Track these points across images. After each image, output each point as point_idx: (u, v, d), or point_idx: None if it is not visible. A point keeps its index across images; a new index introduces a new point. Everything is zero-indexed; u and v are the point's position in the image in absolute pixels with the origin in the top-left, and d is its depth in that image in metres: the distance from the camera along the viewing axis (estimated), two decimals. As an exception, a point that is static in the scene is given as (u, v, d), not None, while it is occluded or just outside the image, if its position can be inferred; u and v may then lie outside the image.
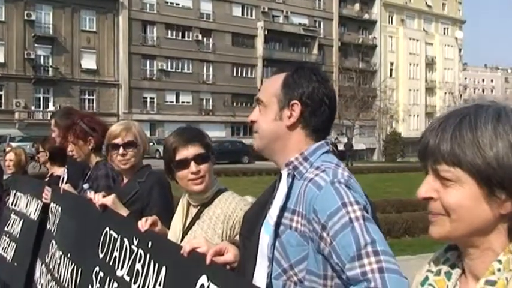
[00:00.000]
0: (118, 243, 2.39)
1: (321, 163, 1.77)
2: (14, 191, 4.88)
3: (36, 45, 50.50)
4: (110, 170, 3.62)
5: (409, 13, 79.66)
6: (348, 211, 1.59)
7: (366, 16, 74.63)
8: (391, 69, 75.82)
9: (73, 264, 2.95)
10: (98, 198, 2.74)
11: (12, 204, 4.81)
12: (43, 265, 3.54)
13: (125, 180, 3.31)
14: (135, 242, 2.23)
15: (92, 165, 3.87)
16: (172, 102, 57.62)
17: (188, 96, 58.86)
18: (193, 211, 2.56)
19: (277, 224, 1.73)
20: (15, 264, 4.23)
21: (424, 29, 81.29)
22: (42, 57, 51.18)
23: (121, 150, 3.20)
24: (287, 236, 1.70)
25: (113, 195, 2.77)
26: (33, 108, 50.08)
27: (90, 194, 2.86)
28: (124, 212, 2.74)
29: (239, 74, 62.38)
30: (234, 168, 29.16)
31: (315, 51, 67.16)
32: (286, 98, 1.83)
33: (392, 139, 56.68)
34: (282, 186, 1.83)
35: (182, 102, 58.39)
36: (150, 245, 2.12)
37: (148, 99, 56.46)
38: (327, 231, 1.59)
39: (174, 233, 2.53)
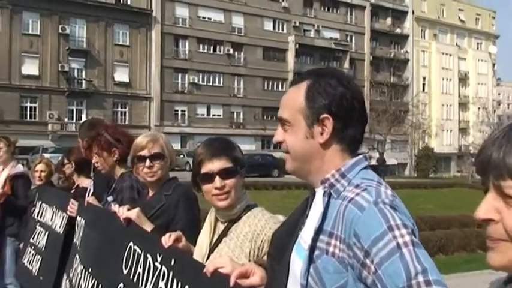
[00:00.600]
0: (142, 259, 2.30)
1: (360, 181, 1.58)
2: (40, 202, 4.83)
3: (70, 58, 51.33)
4: (134, 181, 3.53)
5: (442, 28, 78.85)
6: (395, 235, 1.41)
7: (398, 30, 74.13)
8: (423, 84, 75.02)
9: (94, 280, 2.87)
10: (123, 212, 2.66)
11: (37, 216, 4.76)
12: (67, 280, 3.47)
13: (151, 193, 3.21)
14: (159, 259, 2.14)
15: (116, 177, 3.79)
16: (203, 115, 57.89)
17: (219, 109, 59.10)
18: (220, 227, 2.43)
19: (312, 248, 1.55)
20: (41, 278, 4.17)
21: (456, 44, 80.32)
22: (75, 70, 51.95)
23: (148, 162, 3.10)
24: (323, 262, 1.52)
25: (137, 209, 2.69)
26: (66, 120, 50.80)
27: (115, 207, 2.78)
28: (149, 226, 2.64)
29: (270, 88, 62.38)
30: (263, 181, 29.06)
31: (346, 65, 66.82)
32: (314, 112, 1.65)
33: (425, 154, 56.01)
34: (316, 205, 1.66)
35: (213, 115, 58.62)
36: (173, 263, 2.03)
37: (180, 112, 56.82)
38: (371, 258, 1.40)
39: (200, 249, 2.41)
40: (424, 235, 10.58)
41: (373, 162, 45.36)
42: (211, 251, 2.37)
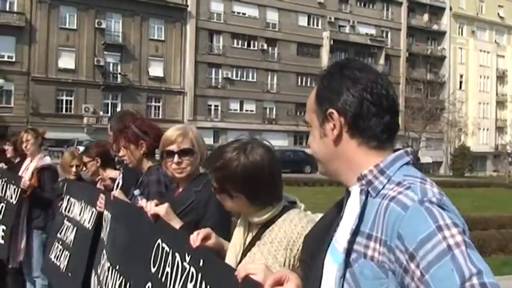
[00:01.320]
0: (170, 258, 2.19)
1: (402, 178, 1.44)
2: (68, 197, 4.72)
3: (105, 52, 51.85)
4: (162, 175, 3.41)
5: (480, 24, 77.31)
6: (445, 236, 1.27)
7: (435, 27, 72.94)
8: (460, 81, 73.68)
9: (121, 278, 2.77)
10: (150, 207, 2.54)
11: (65, 210, 4.65)
12: (95, 277, 3.38)
13: (180, 189, 3.07)
14: (187, 259, 2.02)
15: (144, 171, 3.68)
16: (236, 110, 57.90)
17: (252, 104, 59.05)
18: (254, 229, 2.24)
19: (348, 251, 1.42)
20: (69, 274, 4.08)
21: (495, 41, 78.67)
22: (111, 65, 52.49)
23: (176, 158, 2.96)
24: (361, 266, 1.39)
25: (166, 205, 2.55)
26: (101, 113, 51.37)
27: (142, 202, 2.66)
28: (177, 223, 2.51)
29: (303, 84, 61.99)
30: (295, 177, 28.80)
31: (382, 61, 66.08)
32: (322, 109, 1.56)
33: (460, 153, 54.98)
34: (351, 205, 1.52)
35: (246, 110, 58.59)
36: (201, 264, 1.90)
37: (213, 107, 56.97)
38: (416, 261, 1.26)
39: (234, 248, 2.25)
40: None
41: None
42: (243, 254, 2.21)
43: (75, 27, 50.69)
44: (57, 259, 4.40)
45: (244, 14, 58.58)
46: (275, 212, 2.18)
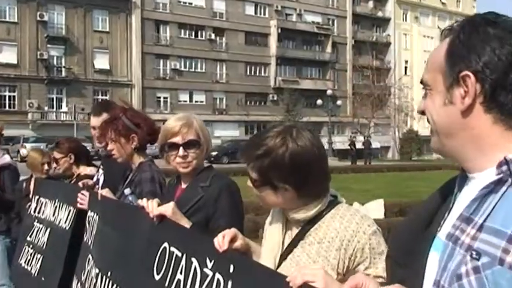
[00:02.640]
0: (183, 263, 1.89)
1: None
2: (37, 197, 4.34)
3: (49, 45, 50.32)
4: (156, 172, 3.11)
5: (423, 10, 78.77)
6: None
7: (380, 14, 73.88)
8: (405, 67, 74.95)
9: (115, 285, 2.45)
10: (153, 207, 2.23)
11: (34, 211, 4.27)
12: (78, 283, 3.03)
13: (183, 185, 2.76)
14: (209, 264, 1.73)
15: (134, 167, 3.33)
16: (186, 101, 57.19)
17: (201, 95, 58.49)
18: (294, 228, 1.95)
19: (475, 254, 1.12)
20: (43, 278, 3.72)
21: (438, 27, 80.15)
22: (55, 58, 50.99)
23: (181, 151, 2.67)
24: (495, 275, 1.06)
25: (172, 204, 2.26)
26: (46, 108, 49.92)
27: (142, 202, 2.34)
28: (186, 223, 2.22)
29: (252, 73, 61.94)
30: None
31: (329, 49, 66.56)
32: (454, 70, 1.23)
33: (409, 137, 55.93)
34: (470, 193, 1.21)
35: (195, 101, 57.96)
36: (231, 270, 1.61)
37: (162, 99, 56.16)
38: None
39: (271, 250, 1.95)
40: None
41: (360, 145, 45.24)
42: (283, 256, 1.91)
43: (16, 20, 48.96)
44: (27, 264, 4.03)
45: (190, 3, 57.79)
46: (321, 207, 1.91)
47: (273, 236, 1.98)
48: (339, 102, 55.58)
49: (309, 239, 1.89)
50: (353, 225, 1.84)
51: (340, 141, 54.89)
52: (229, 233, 1.79)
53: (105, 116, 3.76)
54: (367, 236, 1.79)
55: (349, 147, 44.78)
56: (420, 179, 22.25)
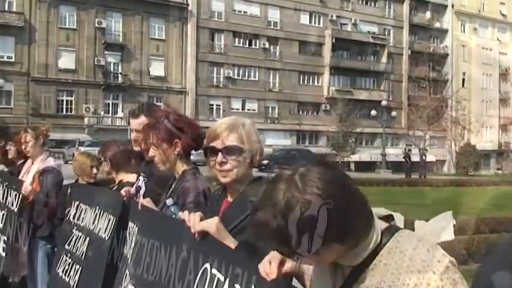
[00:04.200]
0: None
1: None
2: (77, 202, 4.14)
3: (106, 52, 51.31)
4: (200, 181, 2.86)
5: (482, 22, 76.67)
6: None
7: (437, 24, 72.32)
8: (463, 79, 73.11)
9: None
10: (195, 221, 2.00)
11: (74, 218, 4.08)
12: None
13: (229, 198, 2.48)
14: None
15: (177, 175, 3.07)
16: (238, 109, 57.18)
17: (254, 103, 58.48)
18: (345, 269, 1.59)
19: None
20: None
21: (497, 38, 78.08)
22: (112, 64, 51.94)
23: (220, 156, 2.40)
24: None
25: (216, 219, 2.02)
26: (102, 113, 50.87)
27: (183, 215, 2.10)
28: (231, 242, 1.95)
29: (305, 82, 61.55)
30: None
31: (384, 59, 65.58)
32: None
33: (465, 151, 54.37)
34: None
35: (248, 109, 57.89)
36: None
37: (215, 106, 56.37)
38: None
39: None
40: (491, 238, 9.59)
41: (414, 158, 44.00)
42: None
43: (75, 26, 50.13)
44: (65, 274, 3.83)
45: (245, 12, 57.98)
46: (374, 245, 1.53)
47: (320, 281, 1.65)
48: (393, 113, 54.56)
49: (365, 282, 1.53)
50: (418, 263, 1.46)
51: (394, 153, 53.82)
52: (276, 257, 1.52)
53: (143, 119, 3.56)
54: (437, 276, 1.42)
55: (403, 160, 43.63)
56: (479, 195, 21.42)
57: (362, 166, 51.45)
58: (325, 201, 1.38)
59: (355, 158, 54.12)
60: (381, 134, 52.12)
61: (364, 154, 55.91)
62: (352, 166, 52.86)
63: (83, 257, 3.68)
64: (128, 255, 2.81)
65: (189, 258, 1.96)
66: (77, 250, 3.80)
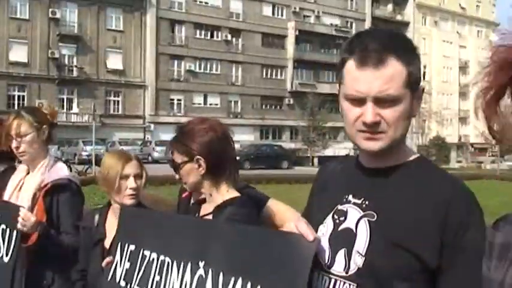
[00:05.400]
0: None
1: None
2: (126, 245, 2.31)
3: (60, 44, 48.72)
4: None
5: (443, 15, 77.01)
6: None
7: (399, 17, 72.01)
8: (424, 72, 72.91)
9: None
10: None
11: (120, 277, 2.21)
12: None
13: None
14: None
15: None
16: (200, 104, 55.45)
17: (216, 98, 56.71)
18: None
19: None
20: None
21: (457, 32, 78.44)
22: (66, 57, 49.40)
23: None
24: None
25: None
26: (56, 109, 48.18)
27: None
28: None
29: (269, 76, 60.15)
30: (274, 174, 26.45)
31: (347, 52, 64.59)
32: None
33: (435, 144, 53.67)
34: None
35: (210, 104, 56.21)
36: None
37: (176, 101, 54.41)
38: None
39: None
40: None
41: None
42: None
43: (27, 17, 47.40)
44: None
45: (206, 3, 56.14)
46: None
47: None
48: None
49: None
50: None
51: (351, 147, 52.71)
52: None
53: None
54: None
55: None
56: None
57: (325, 161, 49.92)
58: None
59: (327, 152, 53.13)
60: (344, 128, 50.71)
61: (328, 149, 54.69)
62: (316, 161, 51.51)
63: None
64: None
65: None
66: None
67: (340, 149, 56.71)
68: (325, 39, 63.13)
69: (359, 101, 1.46)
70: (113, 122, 49.27)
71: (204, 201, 2.38)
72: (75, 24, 49.56)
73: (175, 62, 54.47)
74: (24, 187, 3.16)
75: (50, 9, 47.75)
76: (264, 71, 59.80)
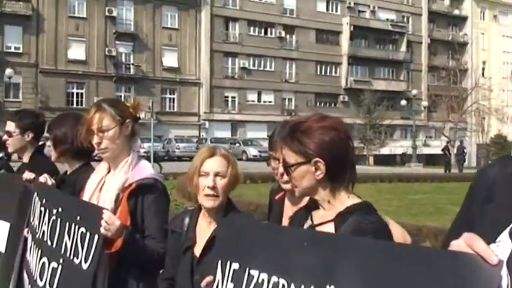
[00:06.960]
0: None
1: None
2: (228, 262, 2.11)
3: (117, 42, 49.36)
4: None
5: (503, 8, 74.40)
6: None
7: (456, 12, 69.92)
8: (483, 68, 70.80)
9: None
10: None
11: None
12: None
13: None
14: None
15: None
16: (254, 101, 55.26)
17: (270, 95, 56.37)
18: None
19: None
20: None
21: (518, 25, 75.87)
22: (123, 55, 49.98)
23: None
24: None
25: None
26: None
27: None
28: None
29: (323, 73, 59.43)
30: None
31: (403, 48, 63.31)
32: None
33: (497, 142, 51.97)
34: None
35: (264, 101, 55.94)
36: None
37: (230, 99, 54.37)
38: None
39: None
40: None
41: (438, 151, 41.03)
42: None
43: (84, 15, 48.16)
44: None
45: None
46: None
47: None
48: (424, 103, 52.32)
49: None
50: None
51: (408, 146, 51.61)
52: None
53: None
54: None
55: (442, 153, 39.59)
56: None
57: (381, 160, 49.11)
58: None
59: (384, 151, 52.34)
60: (400, 126, 50.08)
61: (384, 148, 53.71)
62: (371, 160, 50.62)
63: None
64: None
65: None
66: None
67: (397, 147, 55.79)
68: (381, 35, 61.97)
69: None
70: (168, 119, 49.58)
71: (310, 206, 2.12)
72: (131, 23, 50.08)
73: (229, 60, 54.42)
74: (105, 187, 2.89)
75: (107, 8, 48.38)
76: (318, 67, 59.07)
